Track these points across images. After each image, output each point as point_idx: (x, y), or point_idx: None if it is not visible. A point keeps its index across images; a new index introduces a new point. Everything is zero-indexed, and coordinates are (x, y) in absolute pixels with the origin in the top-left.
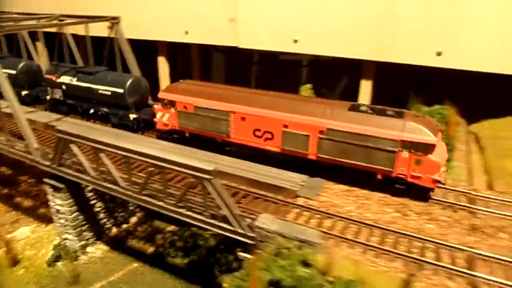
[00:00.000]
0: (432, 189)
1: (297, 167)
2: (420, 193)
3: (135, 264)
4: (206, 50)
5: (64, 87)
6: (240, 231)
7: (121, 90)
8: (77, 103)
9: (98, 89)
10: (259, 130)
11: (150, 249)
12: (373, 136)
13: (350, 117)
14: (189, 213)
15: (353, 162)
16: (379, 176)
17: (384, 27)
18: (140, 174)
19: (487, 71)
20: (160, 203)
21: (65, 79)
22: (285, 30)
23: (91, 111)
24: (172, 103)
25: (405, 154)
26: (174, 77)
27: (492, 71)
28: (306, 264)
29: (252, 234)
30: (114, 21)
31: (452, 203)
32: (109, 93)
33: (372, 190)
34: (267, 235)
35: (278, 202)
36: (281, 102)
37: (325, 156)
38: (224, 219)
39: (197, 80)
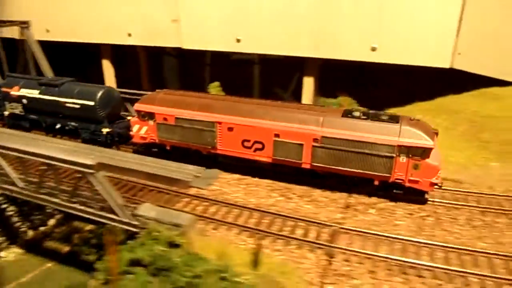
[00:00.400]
0: (427, 192)
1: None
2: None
3: (49, 264)
4: (156, 54)
5: (25, 101)
6: (125, 220)
7: (91, 103)
8: (40, 118)
9: (64, 103)
10: (248, 140)
11: (66, 249)
12: (370, 142)
13: (344, 124)
14: (82, 207)
15: (350, 169)
16: (376, 182)
17: (322, 25)
18: (37, 173)
19: (418, 65)
20: (55, 200)
21: (25, 92)
22: (228, 30)
23: (58, 126)
24: (150, 115)
25: (402, 159)
26: (122, 82)
27: (423, 65)
28: (173, 244)
29: (135, 222)
30: (23, 25)
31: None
32: (77, 106)
33: (262, 177)
34: (147, 222)
35: (171, 193)
36: (271, 111)
37: (320, 165)
38: (111, 210)
39: (176, 89)
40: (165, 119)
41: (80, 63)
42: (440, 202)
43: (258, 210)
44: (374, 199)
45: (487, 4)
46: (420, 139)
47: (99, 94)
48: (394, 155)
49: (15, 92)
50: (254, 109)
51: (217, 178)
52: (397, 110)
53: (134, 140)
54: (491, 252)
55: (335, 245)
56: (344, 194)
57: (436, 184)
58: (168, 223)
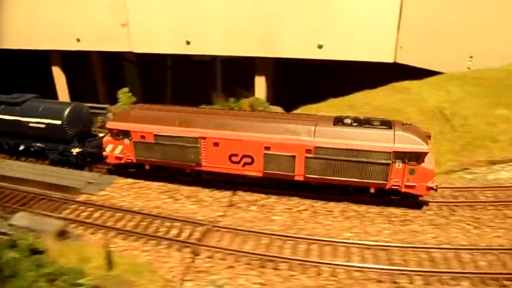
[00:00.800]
0: (421, 196)
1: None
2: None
3: None
4: (115, 61)
5: None
6: (2, 230)
7: (58, 122)
8: (1, 140)
9: (28, 122)
10: (236, 155)
11: None
12: (365, 150)
13: (337, 132)
14: None
15: (345, 179)
16: (372, 190)
17: (269, 24)
18: None
19: (363, 60)
20: None
21: None
22: (177, 32)
23: (21, 147)
24: (125, 133)
25: (398, 165)
26: (76, 91)
27: (368, 60)
28: (36, 251)
29: (12, 232)
30: None
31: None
32: (43, 125)
33: (154, 180)
34: (19, 230)
35: (59, 200)
36: (259, 123)
37: (314, 176)
38: None
39: (152, 104)
40: (142, 137)
41: (35, 73)
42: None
43: (139, 213)
44: (256, 196)
45: (418, 3)
46: (415, 144)
47: (66, 112)
48: (390, 161)
49: None
50: (241, 122)
51: (111, 184)
52: (310, 107)
53: (109, 160)
54: (351, 242)
55: (202, 244)
56: (229, 193)
57: (432, 188)
58: (37, 230)
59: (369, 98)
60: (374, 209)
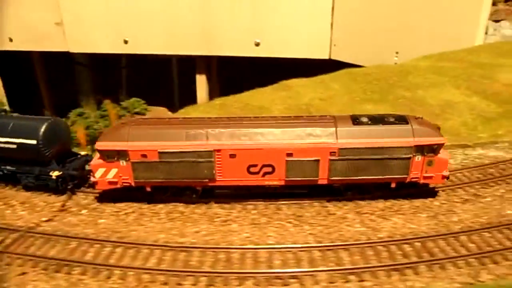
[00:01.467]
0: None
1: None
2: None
3: None
4: (64, 64)
5: None
6: None
7: (32, 141)
8: None
9: None
10: (255, 165)
11: None
12: (388, 147)
13: (359, 132)
14: None
15: (368, 177)
16: (393, 185)
17: (207, 23)
18: None
19: (300, 57)
20: None
21: None
22: (114, 31)
23: None
24: (121, 154)
25: (418, 158)
26: (17, 94)
27: (305, 57)
28: None
29: None
30: None
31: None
32: (14, 146)
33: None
34: None
35: None
36: (278, 128)
37: (338, 178)
38: None
39: (144, 117)
40: (144, 156)
41: None
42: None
43: None
44: (90, 199)
45: (348, 1)
46: (433, 136)
47: (42, 129)
48: (411, 155)
49: None
50: (258, 130)
51: None
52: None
53: (99, 187)
54: (152, 244)
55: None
56: (64, 197)
57: (446, 176)
58: None
59: (253, 96)
60: (199, 210)
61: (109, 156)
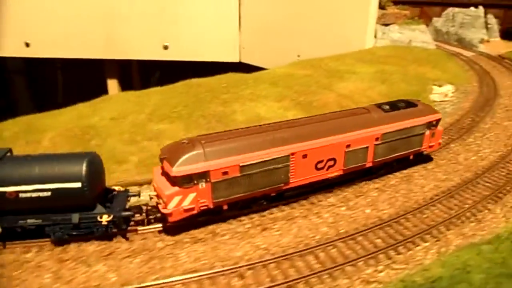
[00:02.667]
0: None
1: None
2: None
3: None
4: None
5: None
6: None
7: (76, 184)
8: None
9: (16, 193)
10: (321, 161)
11: None
12: (411, 126)
13: (391, 117)
14: None
15: (398, 154)
16: (411, 157)
17: (114, 26)
18: None
19: (211, 60)
20: None
21: None
22: (14, 34)
23: None
24: (201, 176)
25: (427, 132)
26: None
27: (215, 60)
28: None
29: None
30: None
31: None
32: (47, 194)
33: None
34: None
35: None
36: (337, 123)
37: (379, 160)
38: None
39: (206, 133)
40: (225, 173)
41: None
42: None
43: None
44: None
45: (255, 4)
46: (435, 113)
47: (84, 168)
48: (424, 130)
49: None
50: (321, 127)
51: None
52: None
53: (173, 218)
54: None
55: None
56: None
57: (440, 143)
58: None
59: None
60: (279, 213)
61: (187, 181)
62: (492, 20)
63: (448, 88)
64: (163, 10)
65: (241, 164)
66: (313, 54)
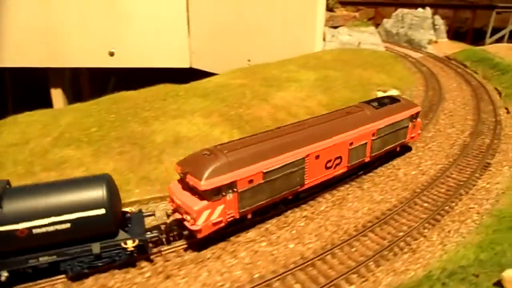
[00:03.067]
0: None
1: None
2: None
3: None
4: None
5: None
6: None
7: (100, 211)
8: None
9: (30, 229)
10: (330, 160)
11: None
12: (401, 119)
13: (382, 113)
14: None
15: (389, 147)
16: (398, 149)
17: (53, 32)
18: None
19: (160, 67)
20: None
21: None
22: None
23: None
24: (229, 187)
25: (410, 124)
26: None
27: (165, 66)
28: None
29: None
30: None
31: None
32: (66, 225)
33: None
34: None
35: None
36: (339, 123)
37: (374, 154)
38: None
39: (223, 143)
40: (250, 181)
41: None
42: None
43: None
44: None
45: (203, 8)
46: (415, 106)
47: (105, 192)
48: (408, 123)
49: None
50: (328, 128)
51: None
52: None
53: (203, 234)
54: None
55: None
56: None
57: (419, 133)
58: None
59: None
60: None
61: (216, 193)
62: (439, 21)
63: (393, 93)
64: (107, 14)
65: (264, 171)
66: (263, 58)
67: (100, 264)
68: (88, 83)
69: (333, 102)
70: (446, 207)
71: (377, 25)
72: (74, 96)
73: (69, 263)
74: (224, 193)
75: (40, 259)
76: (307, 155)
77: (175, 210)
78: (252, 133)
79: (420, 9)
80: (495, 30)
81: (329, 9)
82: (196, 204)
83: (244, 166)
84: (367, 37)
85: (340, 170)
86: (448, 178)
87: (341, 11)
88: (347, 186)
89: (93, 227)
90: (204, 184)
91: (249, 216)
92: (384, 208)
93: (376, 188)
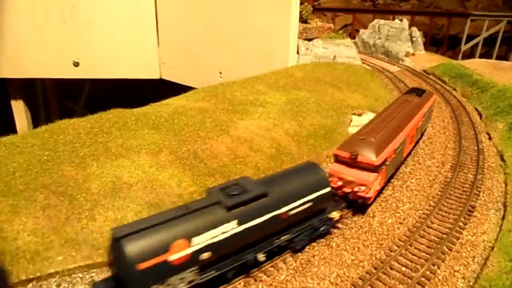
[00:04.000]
0: None
1: None
2: None
3: None
4: None
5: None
6: None
7: (327, 189)
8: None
9: (286, 213)
10: (413, 136)
11: None
12: (430, 106)
13: (422, 101)
14: None
15: (423, 130)
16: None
17: (16, 41)
18: None
19: (128, 78)
20: None
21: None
22: None
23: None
24: (385, 161)
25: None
26: None
27: (134, 77)
28: None
29: None
30: None
31: None
32: (307, 205)
33: None
34: None
35: None
36: (411, 109)
37: (420, 134)
38: None
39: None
40: (388, 157)
41: None
42: None
43: None
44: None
45: (172, 17)
46: (433, 95)
47: (323, 173)
48: (431, 111)
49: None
50: (408, 111)
51: None
52: None
53: (371, 200)
54: None
55: None
56: None
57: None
58: None
59: None
60: None
61: (381, 166)
62: (417, 33)
63: (369, 117)
64: (65, 23)
65: (394, 148)
66: (236, 71)
67: (316, 233)
68: (56, 95)
69: (301, 131)
70: (428, 272)
71: (356, 31)
72: (39, 109)
73: (298, 238)
74: (382, 166)
75: (284, 237)
76: (407, 134)
77: (339, 188)
78: (205, 173)
79: (397, 21)
80: (469, 37)
81: (303, 20)
82: (370, 177)
83: (387, 146)
84: (343, 50)
85: (411, 147)
86: (429, 229)
87: (315, 22)
88: (313, 244)
89: (319, 203)
90: (377, 160)
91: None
92: (355, 275)
93: (346, 244)
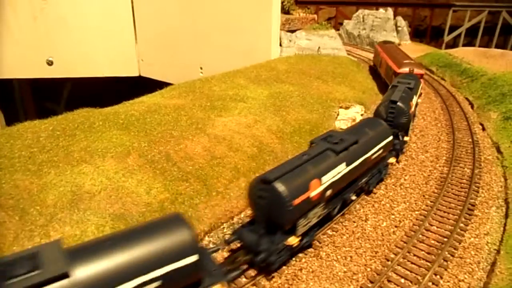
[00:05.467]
0: None
1: None
2: None
3: None
4: None
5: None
6: None
7: (389, 138)
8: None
9: (371, 156)
10: None
11: None
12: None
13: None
14: None
15: None
16: None
17: None
18: None
19: (106, 76)
20: None
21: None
22: None
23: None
24: None
25: None
26: None
27: (112, 75)
28: None
29: None
30: None
31: None
32: (380, 151)
33: None
34: None
35: None
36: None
37: None
38: None
39: None
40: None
41: None
42: None
43: None
44: None
45: (150, 12)
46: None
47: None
48: None
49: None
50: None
51: None
52: None
53: None
54: None
55: None
56: None
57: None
58: None
59: None
60: None
61: None
62: (402, 23)
63: (357, 111)
64: (42, 20)
65: None
66: (217, 66)
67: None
68: (31, 96)
69: (285, 127)
70: (430, 283)
71: (339, 24)
72: (19, 111)
73: (374, 176)
74: None
75: (363, 180)
76: None
77: None
78: (178, 178)
79: (381, 10)
80: (452, 28)
81: (285, 11)
82: None
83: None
84: (327, 41)
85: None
86: (428, 233)
87: (298, 13)
88: (300, 255)
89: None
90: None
91: None
92: None
93: (337, 254)
